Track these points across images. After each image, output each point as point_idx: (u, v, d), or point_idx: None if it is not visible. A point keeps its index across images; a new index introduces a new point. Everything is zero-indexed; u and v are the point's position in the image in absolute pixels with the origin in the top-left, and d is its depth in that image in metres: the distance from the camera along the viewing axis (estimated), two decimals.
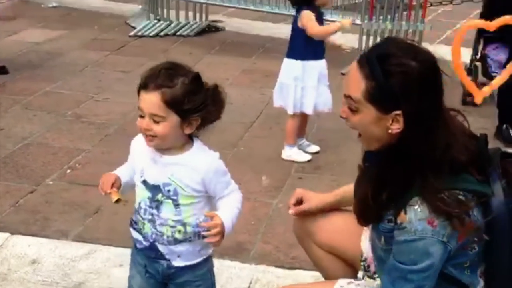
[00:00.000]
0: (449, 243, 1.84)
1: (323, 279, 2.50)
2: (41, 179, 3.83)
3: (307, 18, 3.97)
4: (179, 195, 2.08)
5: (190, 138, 2.09)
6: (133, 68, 5.88)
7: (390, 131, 1.85)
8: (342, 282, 2.19)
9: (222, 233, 2.06)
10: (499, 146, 2.07)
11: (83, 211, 3.50)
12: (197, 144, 2.10)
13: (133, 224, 2.20)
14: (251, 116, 4.92)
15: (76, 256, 3.10)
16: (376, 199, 1.93)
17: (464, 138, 1.93)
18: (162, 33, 6.96)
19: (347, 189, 2.34)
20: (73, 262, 3.06)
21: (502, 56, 5.14)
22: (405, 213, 1.85)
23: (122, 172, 2.20)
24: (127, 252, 3.09)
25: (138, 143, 2.15)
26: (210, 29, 7.24)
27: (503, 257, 1.94)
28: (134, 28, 7.05)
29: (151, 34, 6.92)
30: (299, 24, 4.03)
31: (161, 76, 1.99)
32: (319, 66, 4.14)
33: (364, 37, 6.20)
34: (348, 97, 1.88)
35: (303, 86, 4.11)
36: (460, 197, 1.83)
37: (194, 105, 1.99)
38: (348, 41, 6.89)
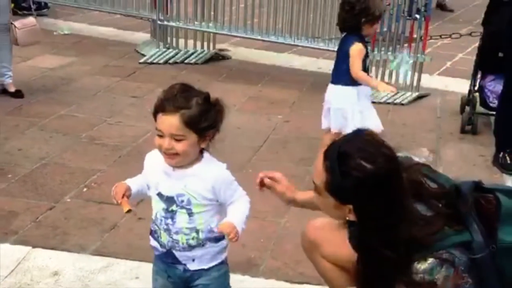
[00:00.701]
0: None
1: None
2: (59, 197, 4.01)
3: (357, 55, 4.20)
4: (192, 204, 2.28)
5: (201, 152, 2.30)
6: (144, 93, 6.09)
7: (347, 218, 2.06)
8: None
9: (237, 231, 2.24)
10: (477, 180, 2.19)
11: (100, 227, 3.68)
12: (206, 156, 2.31)
13: (152, 233, 2.41)
14: (259, 140, 5.11)
15: (95, 269, 3.27)
16: None
17: (431, 198, 2.06)
18: (171, 61, 7.17)
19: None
20: (92, 274, 3.23)
21: (499, 87, 5.35)
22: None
23: (133, 183, 2.41)
24: (143, 265, 3.31)
25: (152, 159, 2.34)
26: (217, 57, 7.46)
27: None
28: (143, 55, 7.26)
29: (160, 62, 7.14)
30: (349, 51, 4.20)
31: (178, 99, 2.17)
32: (367, 89, 4.35)
33: None
34: (314, 182, 2.10)
35: (360, 109, 4.31)
36: (446, 256, 1.97)
37: (209, 123, 2.22)
38: None
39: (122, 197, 2.33)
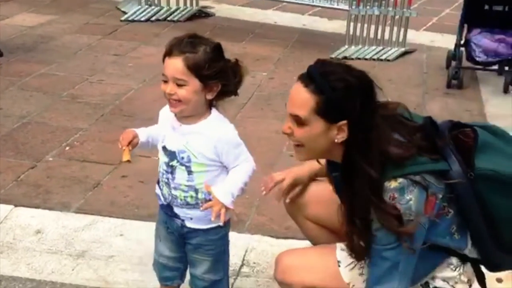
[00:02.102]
0: (419, 220, 1.98)
1: None
2: (41, 155, 3.95)
3: None
4: (192, 162, 2.22)
5: (209, 108, 2.22)
6: (126, 51, 5.99)
7: (336, 140, 2.02)
8: (342, 245, 2.29)
9: (222, 208, 2.17)
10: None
11: (83, 185, 3.63)
12: (215, 114, 2.23)
13: (158, 182, 2.38)
14: (243, 97, 5.04)
15: (79, 227, 3.23)
16: (352, 227, 2.09)
17: (408, 132, 2.07)
18: (153, 18, 7.04)
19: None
20: (76, 232, 3.19)
21: (485, 40, 5.31)
22: (366, 206, 2.01)
23: (145, 131, 2.37)
24: (127, 222, 3.29)
25: (164, 112, 2.31)
26: (201, 14, 7.33)
27: (477, 222, 2.09)
28: (125, 13, 7.13)
29: (142, 19, 7.01)
30: None
31: (184, 44, 2.13)
32: None
33: (352, 23, 6.34)
34: (295, 115, 2.02)
35: None
36: (418, 178, 1.97)
37: (214, 71, 2.13)
38: (336, 27, 7.08)
39: (128, 144, 2.29)
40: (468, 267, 2.19)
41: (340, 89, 1.96)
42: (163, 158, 2.30)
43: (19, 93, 4.89)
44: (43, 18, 6.86)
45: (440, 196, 2.03)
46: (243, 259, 3.03)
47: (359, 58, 6.06)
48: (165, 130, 2.29)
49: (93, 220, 3.29)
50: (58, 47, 6.04)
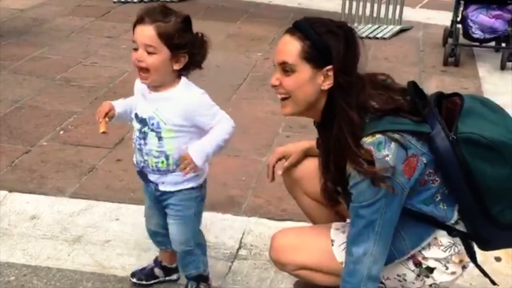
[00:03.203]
0: (395, 178, 1.97)
1: None
2: (35, 140, 3.91)
3: None
4: (161, 129, 2.27)
5: (178, 78, 2.27)
6: (119, 33, 5.93)
7: (322, 87, 2.03)
8: (337, 225, 2.31)
9: (191, 165, 2.24)
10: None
11: (78, 170, 3.59)
12: (184, 81, 2.28)
13: (134, 149, 2.43)
14: (238, 78, 5.01)
15: (74, 212, 3.20)
16: (327, 174, 2.12)
17: (389, 92, 2.08)
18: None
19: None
20: (71, 217, 3.16)
21: (482, 17, 5.26)
22: (348, 161, 2.00)
23: (121, 103, 2.41)
24: (123, 206, 3.27)
25: (138, 82, 2.34)
26: None
27: (463, 191, 2.05)
28: None
29: (135, 0, 6.94)
30: None
31: (156, 12, 2.18)
32: None
33: (347, 2, 6.29)
34: (283, 63, 2.04)
35: None
36: (397, 136, 1.96)
37: (184, 41, 2.19)
38: (331, 5, 7.02)
39: (104, 116, 2.34)
40: (460, 247, 2.16)
41: (324, 33, 2.01)
42: (135, 125, 2.35)
43: (12, 77, 4.84)
44: (35, 1, 6.79)
45: (424, 160, 2.01)
46: (240, 242, 3.00)
47: None
48: (136, 98, 2.36)
49: (88, 204, 3.26)
50: (51, 29, 5.98)
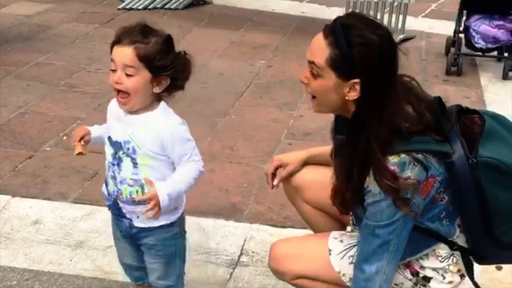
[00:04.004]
0: (414, 198, 1.96)
1: None
2: (38, 145, 3.93)
3: None
4: (136, 154, 2.13)
5: (157, 101, 2.15)
6: None
7: (346, 97, 1.98)
8: (335, 234, 2.32)
9: (158, 205, 2.09)
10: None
11: (81, 175, 3.61)
12: (163, 106, 2.15)
13: (105, 181, 2.29)
14: (241, 86, 5.03)
15: (77, 217, 3.21)
16: (349, 184, 2.06)
17: (420, 107, 2.02)
18: (150, 6, 7.01)
19: (323, 148, 2.49)
20: (74, 222, 3.18)
21: (484, 27, 5.28)
22: (369, 176, 1.98)
23: (98, 128, 2.31)
24: None
25: (112, 104, 2.23)
26: (198, 2, 7.29)
27: (472, 210, 2.05)
28: (122, 1, 7.09)
29: (139, 8, 6.97)
30: None
31: (135, 33, 2.06)
32: None
33: (350, 10, 6.30)
34: (312, 62, 2.00)
35: None
36: (420, 157, 1.93)
37: (165, 63, 2.07)
38: (335, 14, 7.03)
39: (80, 140, 2.24)
40: (458, 257, 2.17)
41: (357, 45, 1.91)
42: (109, 150, 2.21)
43: (16, 83, 4.87)
44: (40, 7, 6.82)
45: (439, 179, 2.00)
46: (242, 248, 3.01)
47: None
48: (110, 120, 2.23)
49: (91, 210, 3.27)
50: (55, 36, 6.01)
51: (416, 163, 1.94)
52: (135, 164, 2.15)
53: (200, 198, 3.42)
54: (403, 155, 1.94)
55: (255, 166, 3.82)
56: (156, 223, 2.21)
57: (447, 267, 2.16)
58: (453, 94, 5.03)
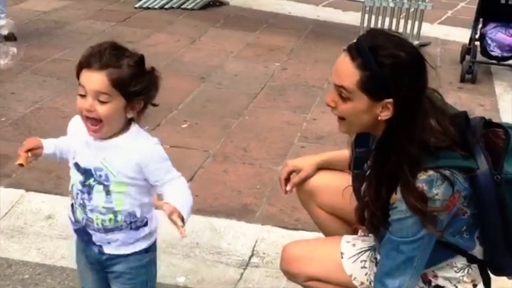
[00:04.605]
0: (439, 216, 1.96)
1: None
2: None
3: None
4: (110, 181, 1.97)
5: (128, 123, 1.99)
6: (139, 39, 5.98)
7: (379, 118, 1.95)
8: (347, 237, 2.33)
9: (181, 218, 1.89)
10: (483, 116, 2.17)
11: None
12: (135, 128, 2.00)
13: (71, 205, 2.11)
14: (256, 87, 5.04)
15: None
16: (377, 202, 2.04)
17: (445, 121, 2.00)
18: (167, 6, 7.04)
19: (336, 153, 2.51)
20: None
21: (500, 35, 5.27)
22: (395, 193, 1.98)
23: (52, 143, 2.13)
24: None
25: (74, 124, 2.07)
26: (215, 3, 7.32)
27: (494, 226, 2.04)
28: (139, 0, 7.12)
29: (156, 7, 7.00)
30: None
31: (107, 56, 1.89)
32: None
33: (366, 15, 6.31)
34: (340, 87, 1.96)
35: None
36: (447, 173, 1.92)
37: (140, 88, 1.92)
38: (350, 18, 7.04)
39: (28, 151, 2.04)
40: (474, 269, 2.16)
41: (387, 65, 1.88)
42: (76, 177, 2.02)
43: (32, 78, 4.91)
44: (57, 4, 6.87)
45: (463, 194, 1.99)
46: (253, 250, 3.03)
47: None
48: (75, 144, 2.04)
49: None
50: (72, 32, 6.05)
51: (443, 180, 1.92)
52: (108, 192, 1.98)
53: (212, 198, 3.45)
54: (430, 172, 1.92)
55: (268, 168, 3.83)
56: (130, 249, 2.06)
57: (461, 277, 2.15)
58: (467, 101, 5.03)
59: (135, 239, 2.05)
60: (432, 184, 1.92)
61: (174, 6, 7.07)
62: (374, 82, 1.90)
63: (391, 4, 6.26)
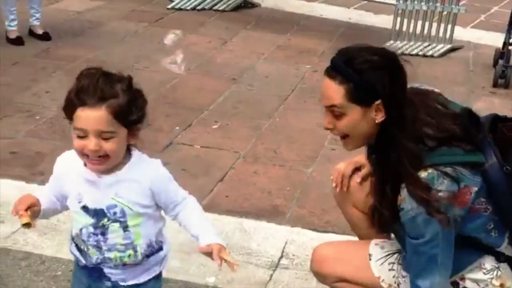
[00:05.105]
0: (449, 211, 1.97)
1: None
2: None
3: None
4: (127, 216, 1.87)
5: (128, 150, 1.88)
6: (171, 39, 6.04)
7: (376, 121, 2.02)
8: (377, 240, 2.33)
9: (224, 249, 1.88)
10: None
11: None
12: (136, 154, 1.89)
13: (75, 244, 1.97)
14: (286, 89, 5.05)
15: None
16: (384, 201, 2.08)
17: (441, 118, 2.04)
18: (199, 7, 7.08)
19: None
20: None
21: None
22: (400, 194, 2.00)
23: (44, 197, 1.93)
24: None
25: (67, 164, 1.91)
26: (246, 5, 7.34)
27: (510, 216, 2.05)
28: (171, 1, 7.18)
29: (188, 8, 7.05)
30: None
31: (101, 86, 1.75)
32: None
33: (399, 18, 6.28)
34: (331, 106, 2.03)
35: None
36: (449, 170, 1.94)
37: (139, 113, 1.81)
38: (382, 21, 7.02)
39: (27, 209, 1.83)
40: (503, 271, 2.15)
41: (366, 70, 1.97)
42: (85, 220, 1.87)
43: (66, 78, 4.96)
44: (91, 4, 6.95)
45: (475, 189, 2.00)
46: (283, 251, 3.03)
47: (404, 54, 5.99)
48: (78, 187, 1.86)
49: None
50: (105, 33, 6.12)
51: (445, 177, 1.95)
52: (125, 228, 1.87)
53: (242, 199, 3.47)
54: (430, 170, 1.96)
55: (298, 169, 3.83)
56: (146, 277, 1.97)
57: (489, 280, 2.14)
58: (499, 106, 4.98)
59: (151, 265, 1.98)
60: (433, 181, 1.95)
61: (206, 7, 7.11)
62: (359, 90, 1.98)
63: (424, 7, 6.23)
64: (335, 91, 2.00)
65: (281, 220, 3.30)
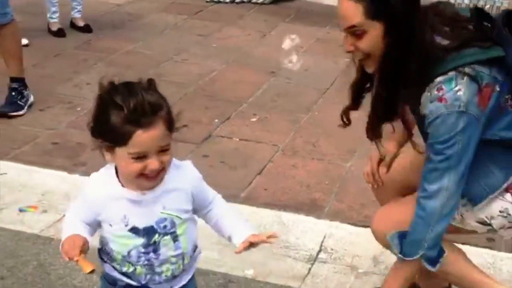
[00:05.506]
0: (469, 110, 1.97)
1: None
2: None
3: None
4: (176, 226, 1.83)
5: None
6: (210, 32, 6.06)
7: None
8: None
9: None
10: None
11: None
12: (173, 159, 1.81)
13: (115, 269, 1.87)
14: (326, 83, 5.03)
15: None
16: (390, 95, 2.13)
17: (456, 24, 2.05)
18: (237, 0, 7.09)
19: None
20: None
21: None
22: (420, 104, 2.03)
23: (82, 231, 1.81)
24: None
25: (100, 191, 1.80)
26: None
27: None
28: None
29: (227, 1, 7.06)
30: None
31: (147, 99, 1.68)
32: None
33: None
34: (351, 27, 2.02)
35: None
36: (467, 70, 1.95)
37: (175, 115, 1.76)
38: None
39: (80, 253, 1.73)
40: None
41: None
42: (134, 242, 1.80)
43: (107, 69, 5.02)
44: None
45: (498, 88, 2.00)
46: (321, 245, 3.02)
47: None
48: (121, 209, 1.78)
49: None
50: (145, 25, 6.17)
51: (463, 76, 1.97)
52: (175, 238, 1.83)
53: (281, 192, 3.46)
54: (450, 73, 1.98)
55: (337, 164, 3.81)
56: (188, 278, 1.94)
57: None
58: None
59: (192, 265, 1.96)
60: (451, 82, 1.97)
61: (245, 0, 7.10)
62: (376, 4, 1.98)
63: (466, 1, 6.14)
64: (353, 10, 1.99)
65: (320, 214, 3.29)
